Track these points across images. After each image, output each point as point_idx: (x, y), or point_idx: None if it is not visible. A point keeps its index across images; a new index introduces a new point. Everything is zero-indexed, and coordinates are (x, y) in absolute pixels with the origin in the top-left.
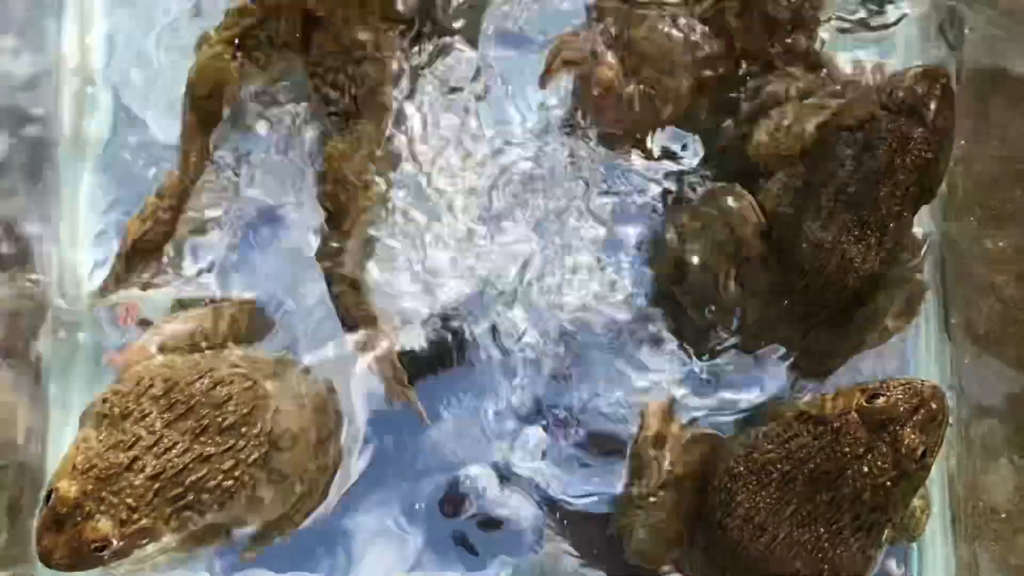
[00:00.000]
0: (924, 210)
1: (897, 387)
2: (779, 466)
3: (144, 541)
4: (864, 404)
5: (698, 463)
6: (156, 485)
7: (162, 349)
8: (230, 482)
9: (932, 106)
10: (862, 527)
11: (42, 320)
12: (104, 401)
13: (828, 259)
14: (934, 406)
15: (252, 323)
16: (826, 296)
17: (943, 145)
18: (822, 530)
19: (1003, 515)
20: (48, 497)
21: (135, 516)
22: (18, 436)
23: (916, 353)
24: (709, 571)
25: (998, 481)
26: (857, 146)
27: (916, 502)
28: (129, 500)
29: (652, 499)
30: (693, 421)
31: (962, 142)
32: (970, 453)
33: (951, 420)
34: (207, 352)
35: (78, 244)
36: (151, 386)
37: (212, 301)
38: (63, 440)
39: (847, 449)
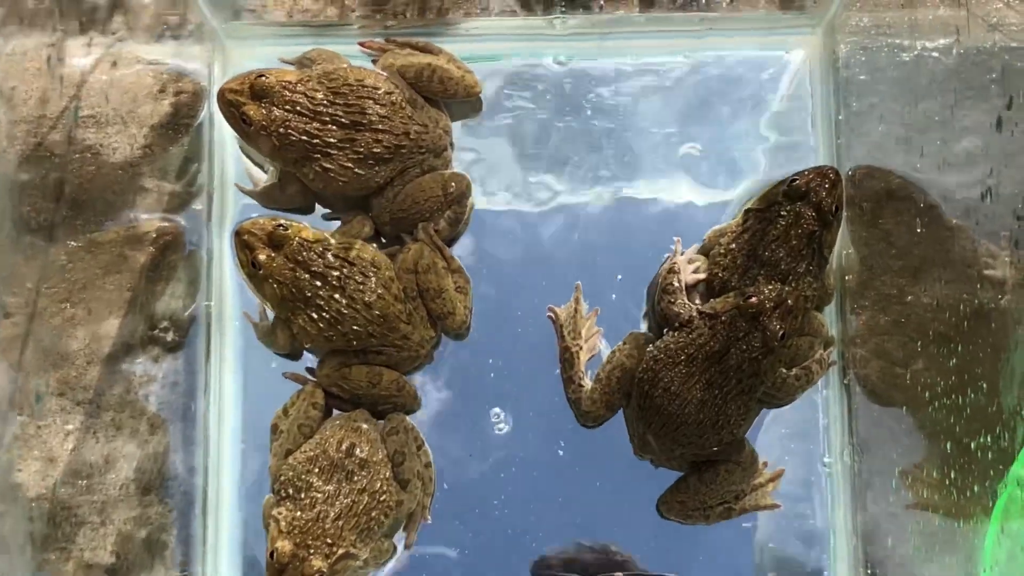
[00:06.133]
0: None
1: (765, 289)
2: (686, 350)
3: (345, 562)
4: (742, 303)
5: (628, 356)
6: (340, 522)
7: (288, 453)
8: (383, 496)
9: (821, 193)
10: (744, 389)
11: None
12: (281, 485)
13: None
14: (790, 302)
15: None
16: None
17: (827, 220)
18: (716, 392)
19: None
20: (271, 555)
21: (334, 548)
22: None
23: (822, 402)
24: (640, 426)
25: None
26: (764, 221)
27: (792, 371)
28: (327, 539)
29: (580, 381)
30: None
31: (850, 250)
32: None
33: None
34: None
35: None
36: (306, 470)
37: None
38: None
39: (731, 334)
